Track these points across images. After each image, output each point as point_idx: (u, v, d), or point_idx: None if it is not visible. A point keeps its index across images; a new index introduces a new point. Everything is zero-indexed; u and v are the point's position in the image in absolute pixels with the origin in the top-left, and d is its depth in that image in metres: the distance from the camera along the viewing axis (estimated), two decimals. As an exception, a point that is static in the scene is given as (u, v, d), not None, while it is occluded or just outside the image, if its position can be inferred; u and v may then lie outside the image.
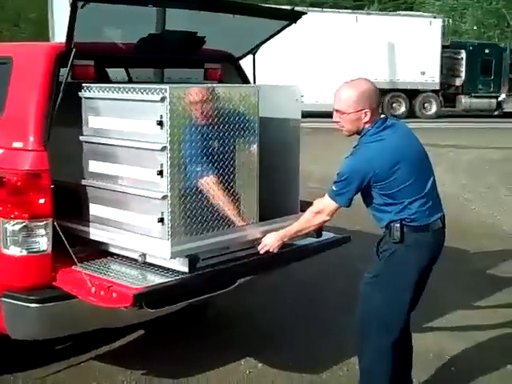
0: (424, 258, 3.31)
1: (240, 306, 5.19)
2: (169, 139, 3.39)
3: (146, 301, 3.45)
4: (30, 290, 3.66)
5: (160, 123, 3.37)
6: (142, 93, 3.48)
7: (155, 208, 3.47)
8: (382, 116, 3.32)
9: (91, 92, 3.78)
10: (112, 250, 3.82)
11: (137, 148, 3.54)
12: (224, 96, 3.65)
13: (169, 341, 4.64)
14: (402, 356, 3.44)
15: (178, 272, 3.53)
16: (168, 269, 3.66)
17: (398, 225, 3.24)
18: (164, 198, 3.42)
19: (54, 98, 3.63)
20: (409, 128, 3.44)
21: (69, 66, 3.64)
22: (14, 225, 3.59)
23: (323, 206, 3.36)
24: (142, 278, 3.62)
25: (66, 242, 3.59)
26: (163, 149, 3.39)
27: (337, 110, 3.30)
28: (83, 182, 3.81)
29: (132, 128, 3.57)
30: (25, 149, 3.64)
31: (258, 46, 4.73)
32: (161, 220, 3.42)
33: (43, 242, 3.62)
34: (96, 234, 3.80)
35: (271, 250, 3.58)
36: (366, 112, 3.23)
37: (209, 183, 3.60)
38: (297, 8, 5.48)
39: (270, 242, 3.57)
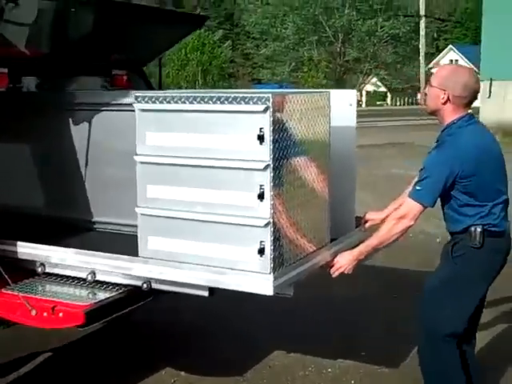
0: (498, 264, 3.21)
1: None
2: (271, 156, 3.02)
3: (97, 318, 3.33)
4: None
5: (260, 138, 3.00)
6: (237, 103, 3.04)
7: (253, 237, 3.07)
8: (470, 111, 3.21)
9: (151, 103, 3.29)
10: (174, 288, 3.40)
11: (225, 168, 3.07)
12: (306, 104, 3.30)
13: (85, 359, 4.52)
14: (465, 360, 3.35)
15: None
16: (108, 283, 3.55)
17: (480, 229, 3.12)
18: (266, 225, 3.03)
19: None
20: (488, 129, 3.38)
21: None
22: None
23: (407, 210, 3.17)
24: (85, 295, 3.48)
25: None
26: (265, 168, 3.01)
27: (429, 81, 3.26)
28: (138, 210, 3.34)
29: (218, 144, 3.10)
30: None
31: (163, 52, 4.70)
32: (261, 251, 3.03)
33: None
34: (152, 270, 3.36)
35: (346, 272, 3.29)
36: (444, 94, 3.13)
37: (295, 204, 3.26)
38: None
39: (345, 262, 3.30)
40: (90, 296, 3.39)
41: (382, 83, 43.33)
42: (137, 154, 3.25)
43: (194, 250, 3.17)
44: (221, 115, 3.02)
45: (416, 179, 3.19)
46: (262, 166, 2.91)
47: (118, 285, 3.48)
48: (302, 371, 4.27)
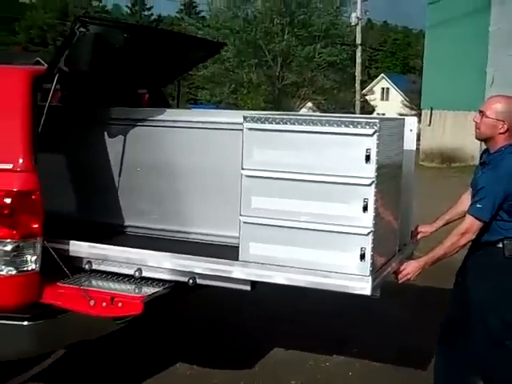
0: None
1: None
2: (376, 174, 3.32)
3: (151, 308, 3.75)
4: (19, 308, 3.73)
5: (368, 157, 3.29)
6: (348, 126, 3.35)
7: (356, 244, 3.38)
8: None
9: (259, 123, 3.57)
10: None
11: (332, 183, 3.40)
12: (391, 129, 3.69)
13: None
14: None
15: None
16: (149, 278, 3.98)
17: (508, 242, 3.56)
18: (369, 233, 3.34)
19: (37, 121, 3.77)
20: None
21: (52, 89, 3.81)
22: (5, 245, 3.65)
23: (469, 226, 3.55)
24: (136, 288, 3.89)
25: (58, 260, 3.75)
26: (371, 184, 3.31)
27: (481, 111, 3.60)
28: (241, 219, 3.63)
29: (325, 161, 3.43)
30: (15, 170, 3.71)
31: (182, 74, 5.15)
32: (362, 256, 3.36)
33: (32, 261, 3.73)
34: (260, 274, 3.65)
35: (411, 279, 3.73)
36: (503, 125, 3.54)
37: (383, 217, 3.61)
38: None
39: (412, 270, 3.70)
40: (142, 290, 3.83)
41: (318, 108, 44.43)
42: (243, 169, 3.60)
43: (295, 255, 3.52)
44: (330, 136, 3.41)
45: (470, 195, 3.70)
46: (368, 182, 3.30)
47: (162, 280, 3.93)
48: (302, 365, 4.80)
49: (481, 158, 3.83)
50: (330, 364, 4.87)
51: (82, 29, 3.67)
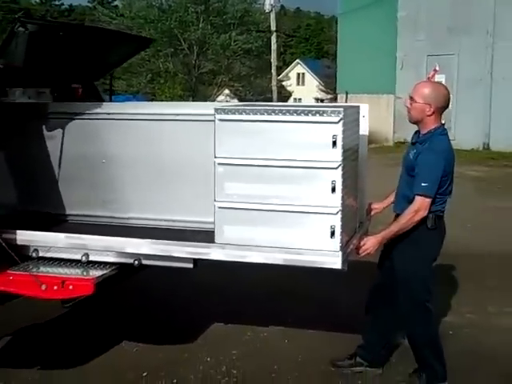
0: (442, 239, 4.13)
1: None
2: (342, 158, 3.56)
3: (101, 288, 3.99)
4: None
5: (334, 143, 3.53)
6: (315, 115, 3.57)
7: (326, 223, 3.62)
8: (443, 122, 3.98)
9: (230, 114, 3.76)
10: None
11: (304, 167, 3.63)
12: (351, 116, 3.95)
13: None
14: None
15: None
16: (97, 262, 4.22)
17: (432, 215, 3.92)
18: (337, 212, 3.59)
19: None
20: None
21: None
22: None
23: (419, 205, 3.83)
24: (82, 271, 4.12)
25: (7, 249, 3.94)
26: (338, 167, 3.56)
27: (410, 97, 3.90)
28: (216, 204, 3.83)
29: (294, 148, 3.65)
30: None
31: (114, 68, 5.35)
32: (332, 234, 3.60)
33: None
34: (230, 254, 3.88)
35: (371, 253, 4.01)
36: (430, 108, 3.85)
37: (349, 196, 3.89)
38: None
39: (371, 245, 3.97)
40: (91, 272, 4.07)
41: (236, 94, 44.81)
42: (216, 157, 3.79)
43: (270, 235, 3.74)
44: (299, 125, 3.63)
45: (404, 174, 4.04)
46: (336, 165, 3.56)
47: (108, 263, 4.19)
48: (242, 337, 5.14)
49: (412, 138, 4.16)
50: (268, 334, 5.24)
51: (21, 28, 3.84)
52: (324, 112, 3.55)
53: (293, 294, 6.04)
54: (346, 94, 22.36)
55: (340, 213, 3.60)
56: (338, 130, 3.54)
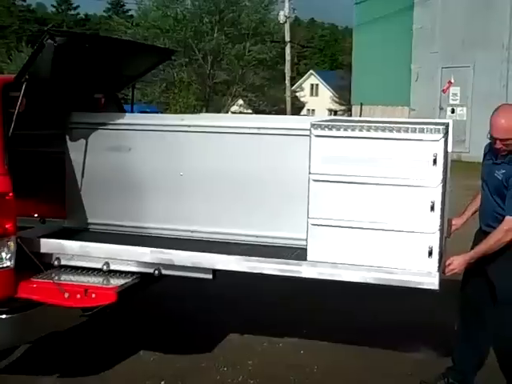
0: None
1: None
2: (441, 177, 3.49)
3: (123, 297, 4.06)
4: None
5: (434, 161, 3.44)
6: (415, 132, 3.48)
7: (424, 242, 3.52)
8: None
9: (327, 130, 3.65)
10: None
11: (402, 185, 3.54)
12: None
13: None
14: None
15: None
16: (119, 271, 4.28)
17: None
18: (436, 232, 3.50)
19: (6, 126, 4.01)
20: None
21: (21, 96, 4.05)
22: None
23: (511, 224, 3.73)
24: (104, 281, 4.18)
25: (33, 257, 4.01)
26: (438, 185, 3.47)
27: (494, 138, 3.81)
28: (311, 221, 3.73)
29: (392, 166, 3.56)
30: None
31: (136, 79, 5.43)
32: (430, 254, 3.50)
33: (7, 259, 3.97)
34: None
35: (458, 273, 3.90)
36: None
37: None
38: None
39: (459, 265, 3.83)
40: (112, 281, 4.13)
41: (249, 105, 44.99)
42: (310, 173, 3.70)
43: (363, 254, 3.66)
44: (399, 142, 3.55)
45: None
46: (436, 184, 3.49)
47: (129, 272, 4.25)
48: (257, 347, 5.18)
49: (485, 149, 4.06)
50: (283, 344, 5.27)
51: (49, 41, 3.92)
52: (425, 129, 3.46)
53: (307, 304, 6.07)
54: (361, 105, 22.42)
55: (438, 232, 3.54)
56: (439, 148, 3.47)
